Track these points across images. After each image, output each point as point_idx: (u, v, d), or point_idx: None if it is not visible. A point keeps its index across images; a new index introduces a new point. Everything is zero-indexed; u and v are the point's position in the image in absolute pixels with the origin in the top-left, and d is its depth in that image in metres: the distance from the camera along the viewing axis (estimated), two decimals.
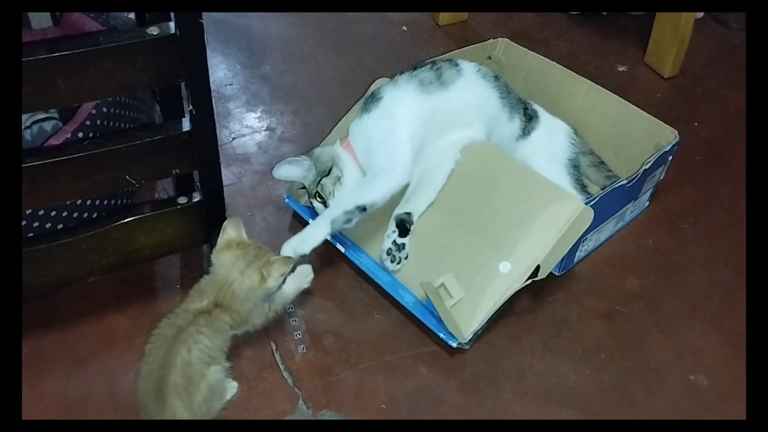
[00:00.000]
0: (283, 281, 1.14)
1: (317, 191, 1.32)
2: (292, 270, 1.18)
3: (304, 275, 1.26)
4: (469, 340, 1.22)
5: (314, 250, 1.24)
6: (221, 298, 1.10)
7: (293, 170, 1.35)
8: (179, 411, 1.03)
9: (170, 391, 1.02)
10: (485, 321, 1.22)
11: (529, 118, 1.46)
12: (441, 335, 1.22)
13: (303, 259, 1.23)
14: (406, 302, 1.26)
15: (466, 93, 1.37)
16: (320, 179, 1.31)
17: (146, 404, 1.04)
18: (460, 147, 1.36)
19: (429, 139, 1.33)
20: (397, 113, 1.31)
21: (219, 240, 1.14)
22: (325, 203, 1.31)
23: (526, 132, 1.44)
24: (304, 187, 1.37)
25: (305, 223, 1.39)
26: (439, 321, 1.22)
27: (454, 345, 1.21)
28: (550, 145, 1.45)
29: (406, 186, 1.32)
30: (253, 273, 1.10)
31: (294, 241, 1.24)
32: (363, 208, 1.25)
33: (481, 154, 1.35)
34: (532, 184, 1.29)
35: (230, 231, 1.14)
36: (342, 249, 1.35)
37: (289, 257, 1.16)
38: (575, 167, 1.45)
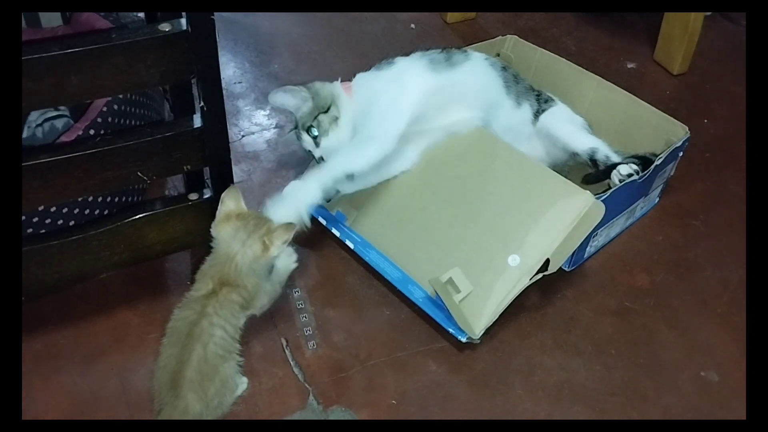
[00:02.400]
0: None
1: (311, 125, 1.33)
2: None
3: (288, 255, 1.22)
4: (479, 336, 1.21)
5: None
6: (226, 274, 1.09)
7: (288, 99, 1.37)
8: (192, 403, 1.03)
9: (185, 385, 1.03)
10: (496, 315, 1.21)
11: (545, 100, 1.48)
12: (450, 330, 1.22)
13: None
14: (415, 298, 1.26)
15: (471, 75, 1.40)
16: (318, 114, 1.33)
17: (160, 393, 1.05)
18: (452, 130, 1.37)
19: (427, 116, 1.34)
20: (407, 83, 1.33)
21: (218, 212, 1.13)
22: (316, 139, 1.34)
23: (540, 111, 1.46)
24: (295, 128, 1.39)
25: (315, 221, 1.40)
26: (449, 316, 1.22)
27: (464, 340, 1.21)
28: (572, 118, 1.47)
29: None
30: (255, 243, 1.09)
31: (285, 210, 1.21)
32: (351, 176, 1.28)
33: (491, 147, 1.35)
34: (541, 178, 1.29)
35: (228, 202, 1.13)
36: (351, 246, 1.35)
37: (290, 224, 1.14)
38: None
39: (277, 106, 1.40)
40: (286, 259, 1.22)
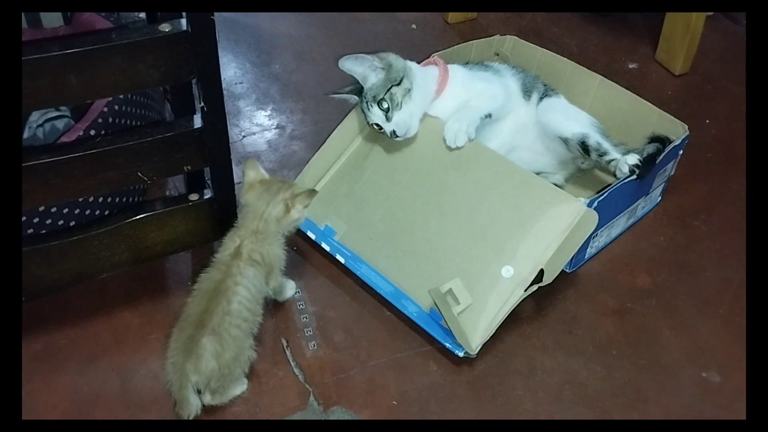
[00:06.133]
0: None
1: (383, 98, 1.30)
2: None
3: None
4: (476, 351, 1.19)
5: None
6: (257, 226, 1.16)
7: (357, 67, 1.33)
8: (207, 357, 1.07)
9: (206, 333, 1.07)
10: (492, 329, 1.19)
11: (550, 91, 1.51)
12: (447, 345, 1.20)
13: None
14: (409, 312, 1.25)
15: (511, 78, 1.49)
16: (390, 87, 1.30)
17: (174, 353, 1.09)
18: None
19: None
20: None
21: (243, 183, 1.21)
22: (387, 113, 1.30)
23: (542, 99, 1.49)
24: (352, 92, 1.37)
25: (303, 236, 1.39)
26: (445, 330, 1.20)
27: (461, 354, 1.19)
28: (569, 109, 1.47)
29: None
30: (279, 204, 1.17)
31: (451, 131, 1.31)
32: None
33: (480, 156, 1.32)
34: (532, 186, 1.27)
35: (250, 173, 1.21)
36: (342, 260, 1.33)
37: (312, 190, 1.21)
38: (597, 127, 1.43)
39: (345, 70, 1.34)
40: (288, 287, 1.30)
